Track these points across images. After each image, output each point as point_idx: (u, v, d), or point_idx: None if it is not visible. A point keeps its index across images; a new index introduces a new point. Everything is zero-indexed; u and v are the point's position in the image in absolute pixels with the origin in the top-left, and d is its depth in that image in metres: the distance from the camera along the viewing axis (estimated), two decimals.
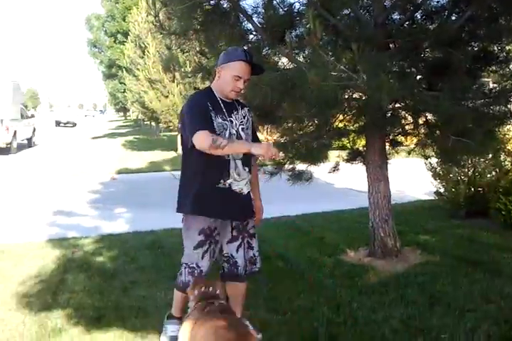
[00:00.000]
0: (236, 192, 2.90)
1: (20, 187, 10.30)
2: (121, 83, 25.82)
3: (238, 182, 2.88)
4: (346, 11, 4.39)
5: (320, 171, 5.00)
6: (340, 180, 8.44)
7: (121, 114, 59.45)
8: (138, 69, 17.82)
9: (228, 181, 2.86)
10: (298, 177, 4.76)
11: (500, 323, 3.08)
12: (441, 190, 6.27)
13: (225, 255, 3.02)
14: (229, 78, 2.81)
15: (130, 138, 26.74)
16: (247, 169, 2.92)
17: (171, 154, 17.25)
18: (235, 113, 2.92)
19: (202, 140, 2.61)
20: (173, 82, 16.09)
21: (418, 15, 4.50)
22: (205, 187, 2.88)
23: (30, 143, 20.37)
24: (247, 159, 2.93)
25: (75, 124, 42.33)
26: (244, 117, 2.98)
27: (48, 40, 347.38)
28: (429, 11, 4.41)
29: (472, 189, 6.04)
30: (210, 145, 2.57)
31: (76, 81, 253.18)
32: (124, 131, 34.48)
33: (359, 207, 6.45)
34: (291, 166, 4.79)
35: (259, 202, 3.17)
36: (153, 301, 3.69)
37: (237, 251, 3.01)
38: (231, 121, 2.87)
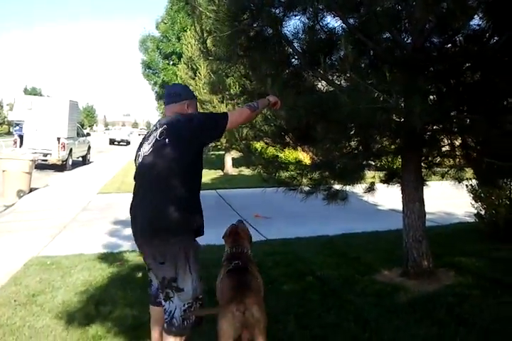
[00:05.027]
0: None
1: (74, 201, 10.81)
2: None
3: None
4: (385, 35, 4.48)
5: (362, 191, 5.10)
6: (382, 201, 8.45)
7: None
8: None
9: None
10: (333, 196, 4.84)
11: None
12: (482, 212, 6.18)
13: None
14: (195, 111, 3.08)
15: None
16: None
17: (219, 172, 17.58)
18: None
19: (240, 112, 2.98)
20: (223, 102, 16.49)
21: (458, 38, 4.53)
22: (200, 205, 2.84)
23: (85, 161, 21.25)
24: None
25: (128, 143, 43.80)
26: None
27: (107, 61, 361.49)
28: (469, 34, 4.44)
29: None
30: (251, 111, 2.94)
31: (131, 99, 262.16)
32: None
33: (399, 227, 6.46)
34: (326, 186, 4.89)
35: None
36: None
37: None
38: None
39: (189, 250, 2.68)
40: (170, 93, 3.02)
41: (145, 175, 2.80)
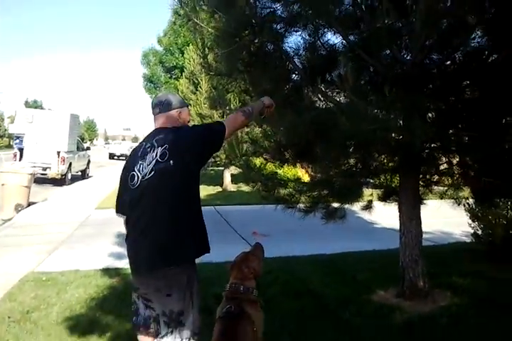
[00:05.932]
0: None
1: (72, 216, 10.76)
2: None
3: None
4: (386, 52, 4.46)
5: (362, 210, 5.07)
6: (381, 219, 8.40)
7: None
8: (190, 104, 18.42)
9: None
10: (332, 215, 4.79)
11: None
12: (479, 232, 6.14)
13: None
14: (188, 119, 2.86)
15: None
16: None
17: (217, 188, 17.55)
18: None
19: (235, 119, 2.85)
20: (223, 117, 16.54)
21: (457, 55, 4.52)
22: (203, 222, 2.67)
23: (84, 175, 21.19)
24: None
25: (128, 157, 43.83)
26: None
27: (108, 74, 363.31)
28: (468, 51, 4.44)
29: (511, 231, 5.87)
30: (245, 117, 2.84)
31: (131, 113, 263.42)
32: None
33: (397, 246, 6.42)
34: (325, 204, 4.85)
35: None
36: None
37: None
38: None
39: (193, 282, 2.52)
40: (160, 101, 2.78)
41: (148, 202, 2.53)
